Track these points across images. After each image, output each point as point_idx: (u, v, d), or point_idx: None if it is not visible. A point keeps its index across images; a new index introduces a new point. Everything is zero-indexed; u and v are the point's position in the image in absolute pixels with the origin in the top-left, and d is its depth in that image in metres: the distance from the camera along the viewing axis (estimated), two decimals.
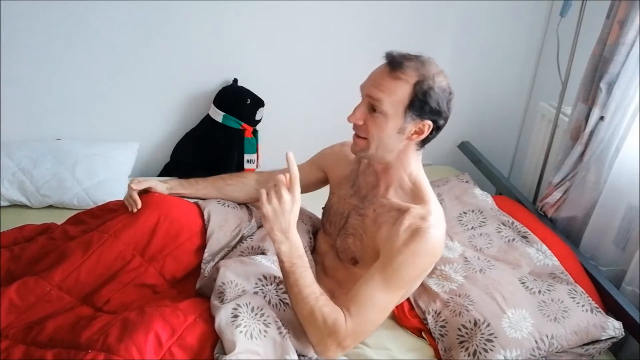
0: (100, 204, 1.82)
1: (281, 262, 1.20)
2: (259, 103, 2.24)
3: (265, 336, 1.17)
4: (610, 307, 1.57)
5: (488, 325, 1.36)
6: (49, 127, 2.20)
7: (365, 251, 1.32)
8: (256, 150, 2.30)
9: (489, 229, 1.75)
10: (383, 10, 2.29)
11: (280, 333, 1.19)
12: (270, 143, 2.37)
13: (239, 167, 2.28)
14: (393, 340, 1.43)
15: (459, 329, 1.38)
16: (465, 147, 2.50)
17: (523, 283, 1.51)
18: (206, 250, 1.43)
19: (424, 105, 1.20)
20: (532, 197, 2.22)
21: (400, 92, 1.19)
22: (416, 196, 1.30)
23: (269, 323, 1.19)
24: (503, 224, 1.77)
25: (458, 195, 1.92)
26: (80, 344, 1.10)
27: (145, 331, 1.10)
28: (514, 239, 1.69)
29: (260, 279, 1.29)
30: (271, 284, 1.29)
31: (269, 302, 1.25)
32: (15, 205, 1.93)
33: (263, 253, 1.41)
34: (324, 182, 1.56)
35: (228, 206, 1.54)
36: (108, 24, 2.09)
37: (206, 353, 1.16)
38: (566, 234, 1.89)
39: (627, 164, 1.74)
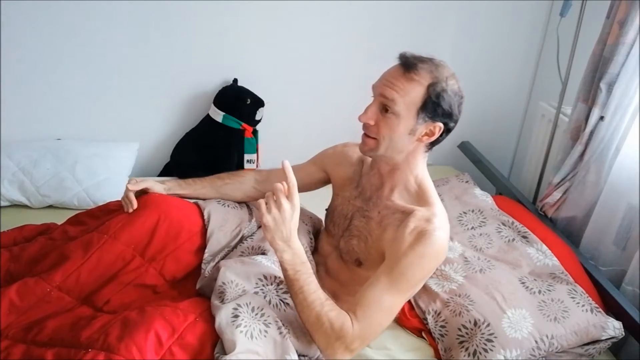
0: (100, 204, 1.83)
1: (284, 271, 1.20)
2: (259, 103, 2.24)
3: (265, 336, 1.17)
4: (610, 307, 1.57)
5: (488, 325, 1.35)
6: (49, 127, 2.20)
7: (370, 253, 1.33)
8: (256, 150, 2.30)
9: (489, 229, 1.75)
10: (383, 10, 2.29)
11: (281, 333, 1.19)
12: (270, 143, 2.37)
13: (238, 167, 2.28)
14: (393, 340, 1.43)
15: (459, 329, 1.38)
16: (465, 147, 2.50)
17: (523, 283, 1.51)
18: (206, 250, 1.43)
19: (436, 107, 1.21)
20: (532, 197, 2.22)
21: (413, 93, 1.20)
22: (421, 198, 1.30)
23: (269, 323, 1.19)
24: (503, 224, 1.76)
25: (458, 195, 1.92)
26: (81, 343, 1.10)
27: (146, 330, 1.10)
28: (514, 239, 1.69)
29: (260, 279, 1.29)
30: (271, 284, 1.29)
31: (269, 302, 1.25)
32: (15, 205, 1.93)
33: (263, 253, 1.41)
34: (324, 182, 1.56)
35: (228, 206, 1.54)
36: (108, 24, 2.09)
37: (206, 352, 1.16)
38: (566, 234, 1.89)
39: (627, 164, 1.74)
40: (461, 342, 1.36)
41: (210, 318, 1.20)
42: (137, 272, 1.35)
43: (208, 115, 2.26)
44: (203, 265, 1.40)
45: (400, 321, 1.49)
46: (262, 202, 1.17)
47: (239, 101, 2.21)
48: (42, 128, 2.19)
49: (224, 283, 1.27)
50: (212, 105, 2.24)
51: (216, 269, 1.34)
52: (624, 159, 1.75)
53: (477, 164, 2.40)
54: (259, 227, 1.56)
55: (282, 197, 1.16)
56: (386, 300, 1.21)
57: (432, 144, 1.29)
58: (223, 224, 1.48)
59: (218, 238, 1.45)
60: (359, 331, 1.18)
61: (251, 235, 1.51)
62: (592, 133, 1.79)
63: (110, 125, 2.27)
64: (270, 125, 2.35)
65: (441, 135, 1.26)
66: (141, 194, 1.48)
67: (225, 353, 1.12)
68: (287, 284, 1.22)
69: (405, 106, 1.20)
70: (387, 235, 1.28)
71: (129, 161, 2.17)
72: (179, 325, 1.15)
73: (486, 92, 2.52)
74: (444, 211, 1.31)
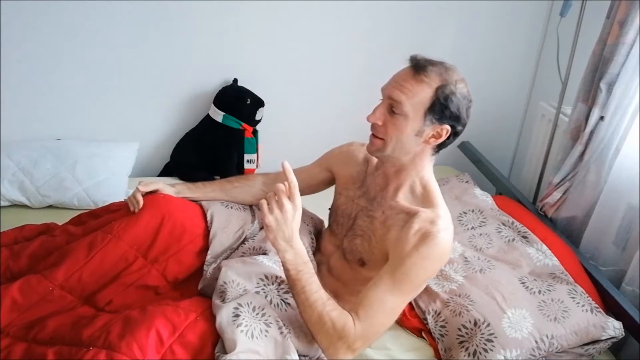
0: (100, 204, 1.84)
1: (287, 271, 1.21)
2: (259, 103, 2.24)
3: (266, 336, 1.17)
4: (610, 307, 1.57)
5: (488, 325, 1.35)
6: (49, 127, 2.20)
7: (373, 253, 1.33)
8: (256, 150, 2.30)
9: (489, 229, 1.75)
10: (383, 10, 2.29)
11: (282, 333, 1.19)
12: (270, 143, 2.37)
13: (239, 167, 2.28)
14: (393, 340, 1.43)
15: (459, 329, 1.38)
16: (465, 147, 2.50)
17: (523, 283, 1.51)
18: (209, 252, 1.43)
19: (444, 109, 1.22)
20: (532, 197, 2.22)
21: (422, 94, 1.21)
22: (426, 199, 1.31)
23: (270, 323, 1.19)
24: (503, 224, 1.76)
25: (458, 195, 1.92)
26: (82, 341, 1.10)
27: (147, 328, 1.10)
28: (514, 239, 1.69)
29: (261, 279, 1.29)
30: (272, 284, 1.29)
31: (271, 302, 1.25)
32: (15, 205, 1.93)
33: (265, 253, 1.41)
34: (330, 182, 1.56)
35: (231, 208, 1.55)
36: (108, 24, 2.09)
37: (207, 351, 1.16)
38: (566, 234, 1.89)
39: (627, 164, 1.74)
40: (461, 342, 1.36)
41: (212, 317, 1.20)
42: (140, 273, 1.35)
43: (208, 115, 2.26)
44: (205, 267, 1.40)
45: (400, 321, 1.49)
46: (264, 202, 1.18)
47: (239, 101, 2.21)
48: (42, 128, 2.19)
49: (225, 282, 1.27)
50: (212, 105, 2.24)
51: (217, 268, 1.34)
52: (624, 159, 1.75)
53: (477, 164, 2.40)
54: (261, 228, 1.57)
55: (283, 198, 1.17)
56: (389, 300, 1.21)
57: (439, 147, 1.30)
58: (226, 225, 1.48)
59: (221, 240, 1.45)
60: (361, 331, 1.18)
61: (253, 237, 1.51)
62: (592, 133, 1.79)
63: (110, 125, 2.26)
64: (270, 125, 2.35)
65: (448, 138, 1.26)
66: (147, 194, 1.48)
67: (225, 352, 1.12)
68: (289, 284, 1.23)
69: (412, 107, 1.21)
70: (391, 236, 1.28)
71: (129, 161, 2.17)
72: (180, 324, 1.15)
73: (486, 92, 2.52)
74: (449, 213, 1.31)
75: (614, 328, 1.42)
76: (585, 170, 1.83)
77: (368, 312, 1.19)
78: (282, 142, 2.41)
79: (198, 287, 1.38)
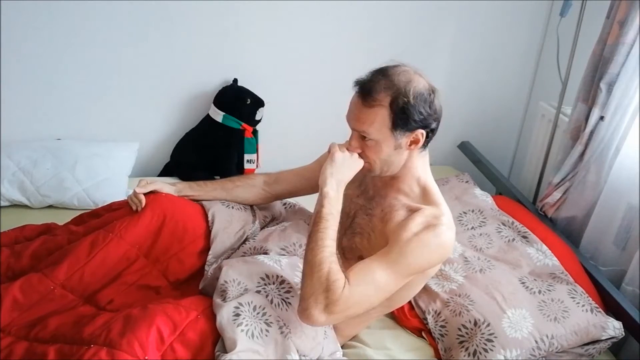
0: (100, 204, 1.84)
1: (320, 207, 1.20)
2: (259, 103, 2.24)
3: (266, 335, 1.17)
4: (610, 307, 1.57)
5: (488, 325, 1.36)
6: (49, 127, 2.20)
7: (373, 249, 1.32)
8: (256, 150, 2.30)
9: (489, 229, 1.75)
10: (383, 10, 2.29)
11: (282, 333, 1.19)
12: (270, 143, 2.37)
13: (239, 167, 2.28)
14: (393, 340, 1.43)
15: (459, 329, 1.38)
16: (465, 147, 2.50)
17: (523, 283, 1.51)
18: (210, 252, 1.43)
19: (406, 120, 1.21)
20: (532, 197, 2.22)
21: (378, 118, 1.21)
22: (427, 198, 1.30)
23: (271, 322, 1.20)
24: (503, 224, 1.77)
25: (458, 195, 1.92)
26: (83, 339, 1.11)
27: (148, 326, 1.11)
28: (514, 239, 1.69)
29: (262, 278, 1.29)
30: (273, 283, 1.29)
31: (271, 302, 1.25)
32: (15, 205, 1.93)
33: (265, 253, 1.41)
34: None
35: (232, 208, 1.55)
36: (108, 24, 2.09)
37: (207, 350, 1.16)
38: (566, 234, 1.89)
39: (627, 164, 1.74)
40: (461, 342, 1.36)
41: (212, 316, 1.20)
42: (141, 273, 1.35)
43: (208, 115, 2.26)
44: (206, 267, 1.41)
45: (400, 321, 1.49)
46: (334, 143, 1.26)
47: (239, 101, 2.21)
48: (42, 128, 2.19)
49: (226, 282, 1.27)
50: (212, 105, 2.24)
51: (218, 268, 1.34)
52: (624, 159, 1.75)
53: (477, 164, 2.40)
54: (262, 228, 1.57)
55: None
56: (380, 275, 1.18)
57: (424, 145, 1.29)
58: (227, 225, 1.48)
59: (222, 240, 1.45)
60: (347, 295, 1.14)
61: (254, 236, 1.51)
62: (592, 133, 1.79)
63: (110, 125, 2.26)
64: (270, 125, 2.35)
65: (427, 136, 1.25)
66: (148, 194, 1.48)
67: (226, 351, 1.13)
68: (313, 220, 1.20)
69: (378, 131, 1.22)
70: (391, 226, 1.27)
71: (129, 161, 2.17)
72: (181, 322, 1.15)
73: (486, 92, 2.52)
74: (450, 213, 1.31)
75: (614, 328, 1.42)
76: (585, 170, 1.83)
77: (358, 280, 1.16)
78: (282, 142, 2.41)
79: (199, 287, 1.38)
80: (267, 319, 1.20)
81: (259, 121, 2.29)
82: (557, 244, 1.71)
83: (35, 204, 1.93)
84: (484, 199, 1.90)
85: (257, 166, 2.32)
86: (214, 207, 1.52)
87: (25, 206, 1.93)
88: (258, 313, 1.20)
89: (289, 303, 1.27)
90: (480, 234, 1.73)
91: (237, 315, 1.17)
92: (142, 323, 1.11)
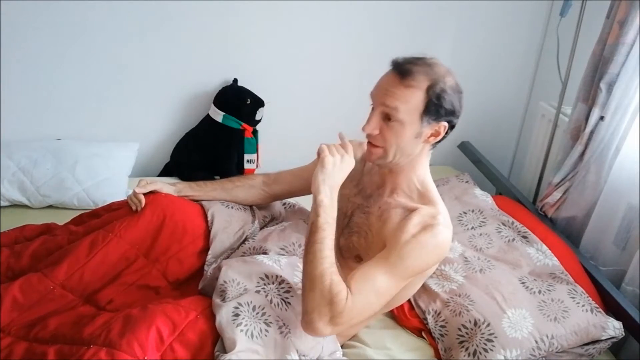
0: (100, 203, 1.84)
1: (315, 216, 1.17)
2: (259, 103, 2.24)
3: (266, 335, 1.17)
4: (610, 307, 1.57)
5: (488, 325, 1.35)
6: (49, 127, 2.20)
7: (370, 248, 1.32)
8: (256, 150, 2.30)
9: (489, 229, 1.75)
10: (383, 10, 2.29)
11: (282, 333, 1.19)
12: (270, 143, 2.37)
13: (239, 167, 2.28)
14: (393, 340, 1.43)
15: (459, 329, 1.38)
16: (465, 147, 2.50)
17: (523, 283, 1.51)
18: (209, 252, 1.43)
19: (439, 108, 1.21)
20: (532, 197, 2.22)
21: (414, 99, 1.20)
22: (425, 197, 1.30)
23: (270, 322, 1.20)
24: (503, 224, 1.76)
25: (458, 195, 1.92)
26: (83, 340, 1.11)
27: (147, 326, 1.11)
28: (514, 239, 1.69)
29: (262, 278, 1.29)
30: (273, 283, 1.29)
31: (271, 302, 1.25)
32: (15, 205, 1.93)
33: (265, 253, 1.41)
34: None
35: (232, 208, 1.55)
36: (108, 24, 2.09)
37: (207, 350, 1.16)
38: (566, 234, 1.89)
39: (627, 164, 1.74)
40: (461, 342, 1.36)
41: (212, 316, 1.20)
42: (141, 273, 1.35)
43: (208, 115, 2.26)
44: (206, 267, 1.41)
45: (400, 321, 1.49)
46: (325, 145, 1.21)
47: (239, 101, 2.21)
48: (42, 128, 2.19)
49: (225, 282, 1.27)
50: (212, 105, 2.24)
51: (218, 268, 1.34)
52: (624, 159, 1.75)
53: (477, 164, 2.40)
54: (261, 228, 1.57)
55: (348, 147, 1.20)
56: (381, 281, 1.18)
57: (437, 142, 1.29)
58: (227, 225, 1.48)
59: (221, 240, 1.45)
60: (350, 306, 1.14)
61: (253, 237, 1.51)
62: (592, 133, 1.79)
63: (110, 125, 2.26)
64: (270, 125, 2.35)
65: (446, 132, 1.26)
66: (147, 194, 1.48)
67: (225, 351, 1.13)
68: (309, 230, 1.19)
69: (408, 112, 1.20)
70: (389, 227, 1.27)
71: (129, 161, 2.17)
72: (180, 322, 1.15)
73: (486, 92, 2.52)
74: (447, 212, 1.31)
75: (614, 328, 1.42)
76: (585, 170, 1.82)
77: (360, 289, 1.16)
78: (282, 142, 2.41)
79: (198, 287, 1.38)
80: (266, 319, 1.20)
81: (259, 121, 2.29)
82: (557, 244, 1.71)
83: (35, 204, 1.93)
84: (484, 199, 1.90)
85: (257, 166, 2.32)
86: (214, 207, 1.52)
87: (25, 206, 1.93)
88: (257, 313, 1.20)
89: (289, 303, 1.26)
90: (480, 234, 1.73)
91: (237, 315, 1.17)
92: (142, 323, 1.11)
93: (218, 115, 2.22)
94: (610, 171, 1.78)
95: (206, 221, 1.47)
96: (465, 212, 1.83)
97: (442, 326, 1.42)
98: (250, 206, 1.62)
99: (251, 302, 1.21)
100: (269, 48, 2.28)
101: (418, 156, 1.29)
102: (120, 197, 1.88)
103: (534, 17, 2.41)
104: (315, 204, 1.19)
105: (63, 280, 1.29)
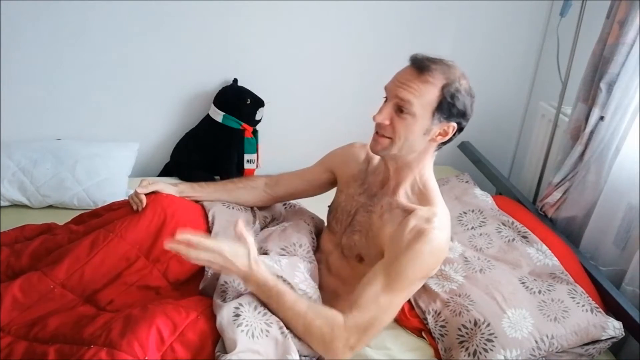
0: (100, 204, 1.84)
1: (259, 292, 1.23)
2: (259, 103, 2.24)
3: (267, 336, 1.17)
4: (610, 307, 1.57)
5: (488, 325, 1.35)
6: (49, 127, 2.20)
7: (370, 248, 1.34)
8: (256, 150, 2.30)
9: (489, 229, 1.75)
10: (383, 10, 2.29)
11: (282, 333, 1.19)
12: (270, 143, 2.37)
13: (239, 167, 2.28)
14: (393, 340, 1.43)
15: (459, 329, 1.38)
16: (465, 147, 2.50)
17: (523, 283, 1.51)
18: None
19: (451, 107, 1.23)
20: (532, 197, 2.22)
21: (428, 94, 1.22)
22: (424, 197, 1.32)
23: (271, 323, 1.20)
24: (503, 224, 1.76)
25: (458, 195, 1.92)
26: (83, 340, 1.11)
27: (148, 326, 1.10)
28: (514, 239, 1.69)
29: None
30: None
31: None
32: (15, 205, 1.93)
33: (265, 253, 1.41)
34: (332, 183, 1.57)
35: (233, 208, 1.55)
36: (108, 24, 2.09)
37: (207, 351, 1.16)
38: (566, 234, 1.89)
39: (627, 164, 1.74)
40: (461, 342, 1.36)
41: (212, 316, 1.20)
42: (141, 273, 1.35)
43: (208, 115, 2.26)
44: (206, 267, 1.40)
45: (400, 321, 1.49)
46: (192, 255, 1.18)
47: (239, 101, 2.21)
48: (42, 128, 2.19)
49: (226, 282, 1.27)
50: (212, 105, 2.24)
51: None
52: (624, 159, 1.75)
53: (477, 164, 2.40)
54: (262, 228, 1.57)
55: (202, 254, 1.18)
56: (383, 298, 1.22)
57: (443, 143, 1.31)
58: (227, 226, 1.48)
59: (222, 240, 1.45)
60: (355, 327, 1.19)
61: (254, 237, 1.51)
62: (592, 133, 1.79)
63: (110, 125, 2.26)
64: (270, 125, 2.35)
65: (454, 134, 1.28)
66: (149, 193, 1.48)
67: (226, 352, 1.13)
68: (267, 301, 1.24)
69: (421, 107, 1.22)
70: (387, 231, 1.29)
71: (129, 161, 2.17)
72: (181, 322, 1.15)
73: (486, 92, 2.50)
74: (446, 211, 1.32)
75: (614, 328, 1.42)
76: (585, 170, 1.83)
77: (361, 310, 1.20)
78: (282, 142, 2.41)
79: (199, 288, 1.38)
80: (267, 319, 1.20)
81: (259, 121, 2.29)
82: (557, 244, 1.70)
83: (35, 204, 1.93)
84: (484, 199, 1.90)
85: (257, 166, 2.32)
86: (215, 208, 1.52)
87: (25, 206, 1.93)
88: (259, 312, 1.20)
89: None
90: (480, 234, 1.72)
91: (237, 315, 1.17)
92: (142, 323, 1.11)
93: (218, 115, 2.22)
94: (610, 171, 1.78)
95: (207, 222, 1.47)
96: (465, 212, 1.82)
97: (442, 326, 1.42)
98: (251, 207, 1.62)
99: (252, 302, 1.21)
100: (269, 48, 2.28)
101: (423, 155, 1.30)
102: (121, 197, 1.88)
103: (534, 17, 2.42)
104: (249, 284, 1.22)
105: (63, 280, 1.29)
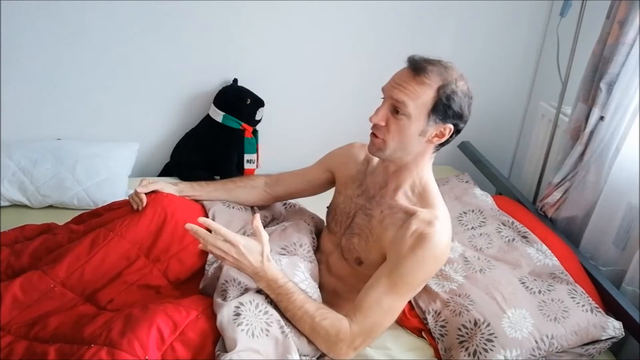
0: (100, 203, 1.84)
1: (270, 290, 1.24)
2: (259, 103, 2.24)
3: (267, 335, 1.17)
4: (610, 307, 1.57)
5: (488, 325, 1.35)
6: (49, 127, 2.20)
7: (370, 252, 1.33)
8: (256, 150, 2.30)
9: (489, 229, 1.75)
10: (383, 10, 2.29)
11: (283, 332, 1.20)
12: (270, 143, 2.37)
13: (239, 167, 2.28)
14: (393, 340, 1.43)
15: (459, 329, 1.38)
16: (465, 147, 2.50)
17: (523, 283, 1.51)
18: None
19: (447, 109, 1.22)
20: (532, 197, 2.22)
21: (424, 96, 1.21)
22: (424, 200, 1.31)
23: (271, 322, 1.20)
24: (503, 224, 1.76)
25: (458, 195, 1.92)
26: (84, 339, 1.11)
27: (148, 326, 1.11)
28: (514, 239, 1.69)
29: None
30: None
31: (272, 301, 1.25)
32: (15, 205, 1.93)
33: None
34: (331, 183, 1.57)
35: (233, 208, 1.55)
36: (108, 24, 2.09)
37: (208, 350, 1.16)
38: (566, 234, 1.89)
39: (627, 164, 1.74)
40: (461, 342, 1.36)
41: (213, 315, 1.20)
42: (142, 273, 1.35)
43: (208, 115, 2.26)
44: (206, 267, 1.40)
45: (400, 321, 1.49)
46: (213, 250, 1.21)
47: (239, 101, 2.21)
48: (42, 128, 2.19)
49: (226, 281, 1.27)
50: (212, 105, 2.24)
51: (219, 267, 1.34)
52: (624, 159, 1.75)
53: (477, 164, 2.40)
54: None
55: (219, 242, 1.20)
56: (386, 302, 1.23)
57: (441, 145, 1.30)
58: (227, 225, 1.47)
59: None
60: (359, 331, 1.21)
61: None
62: (592, 133, 1.79)
63: (110, 125, 2.26)
64: (270, 125, 2.35)
65: (451, 136, 1.27)
66: (149, 192, 1.48)
67: (226, 351, 1.13)
68: (276, 299, 1.25)
69: (416, 108, 1.22)
70: (388, 235, 1.29)
71: (129, 161, 2.17)
72: (181, 322, 1.15)
73: (486, 92, 2.52)
74: (447, 214, 1.32)
75: (614, 328, 1.42)
76: (585, 170, 1.83)
77: (365, 315, 1.22)
78: (282, 142, 2.41)
79: (199, 287, 1.38)
80: (267, 319, 1.20)
81: (259, 121, 2.29)
82: (557, 244, 1.71)
83: (35, 204, 1.93)
84: (484, 199, 1.90)
85: (257, 166, 2.32)
86: (215, 207, 1.52)
87: (25, 206, 1.93)
88: (260, 311, 1.20)
89: None
90: (480, 234, 1.73)
91: (238, 314, 1.17)
92: (143, 323, 1.11)
93: (218, 115, 2.22)
94: (610, 171, 1.78)
95: None
96: (465, 212, 1.83)
97: (442, 326, 1.42)
98: (251, 206, 1.62)
99: (253, 301, 1.22)
100: (269, 48, 2.28)
101: (421, 157, 1.30)
102: (121, 197, 1.88)
103: (534, 17, 2.42)
104: (261, 282, 1.24)
105: (63, 279, 1.29)
